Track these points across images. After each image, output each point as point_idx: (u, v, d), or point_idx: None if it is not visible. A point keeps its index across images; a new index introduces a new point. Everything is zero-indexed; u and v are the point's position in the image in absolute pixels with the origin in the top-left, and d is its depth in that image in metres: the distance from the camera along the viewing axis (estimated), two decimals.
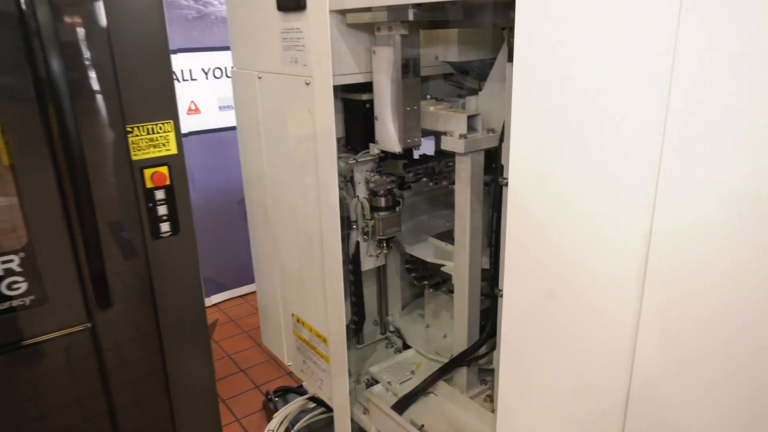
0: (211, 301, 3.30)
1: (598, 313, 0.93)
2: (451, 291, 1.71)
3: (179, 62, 2.84)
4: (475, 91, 1.66)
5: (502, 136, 1.36)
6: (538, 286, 1.02)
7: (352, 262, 1.68)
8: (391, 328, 2.04)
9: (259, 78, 1.66)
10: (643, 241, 0.83)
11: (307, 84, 1.45)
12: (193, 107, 3.04)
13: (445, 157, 1.77)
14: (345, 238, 1.63)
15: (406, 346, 1.96)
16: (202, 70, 2.98)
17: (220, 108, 3.06)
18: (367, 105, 1.58)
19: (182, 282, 1.50)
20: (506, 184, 1.31)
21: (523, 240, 1.03)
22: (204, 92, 3.06)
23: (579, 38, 0.85)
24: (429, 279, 1.81)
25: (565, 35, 0.87)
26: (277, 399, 2.32)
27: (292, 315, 1.85)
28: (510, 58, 1.01)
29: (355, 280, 1.70)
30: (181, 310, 1.52)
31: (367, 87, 1.54)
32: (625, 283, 0.87)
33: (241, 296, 3.40)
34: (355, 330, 1.81)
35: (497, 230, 1.40)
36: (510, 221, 1.05)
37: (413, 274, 1.86)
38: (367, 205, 1.60)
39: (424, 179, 1.72)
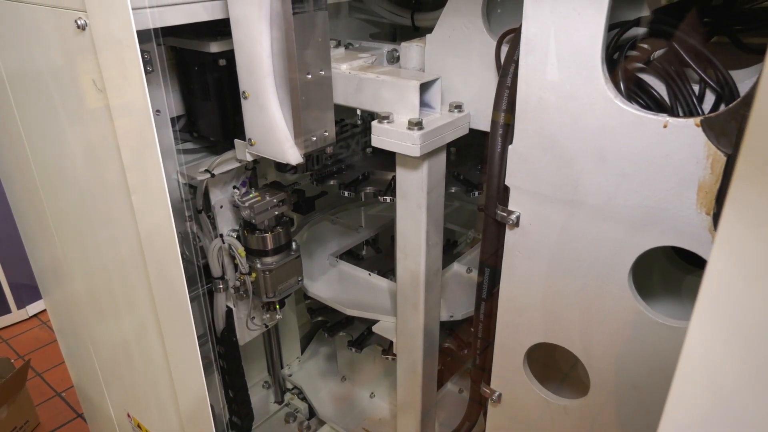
0: (27, 312, 2.61)
1: None
2: (386, 350, 1.10)
3: None
4: (407, 32, 0.99)
5: (506, 121, 0.71)
6: None
7: (221, 340, 0.96)
8: (290, 385, 1.39)
9: None
10: None
11: (81, 27, 0.66)
12: None
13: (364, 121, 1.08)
14: (202, 303, 0.91)
15: (313, 412, 1.33)
16: None
17: None
18: (221, 62, 0.83)
19: None
20: (512, 223, 0.68)
21: None
22: None
23: None
24: (346, 328, 1.17)
25: None
26: None
27: (128, 415, 1.11)
28: None
29: (229, 366, 0.99)
30: None
31: (220, 28, 0.79)
32: None
33: None
34: None
35: (489, 297, 0.77)
36: None
37: (320, 318, 1.21)
38: (240, 249, 0.87)
39: (333, 182, 1.00)
